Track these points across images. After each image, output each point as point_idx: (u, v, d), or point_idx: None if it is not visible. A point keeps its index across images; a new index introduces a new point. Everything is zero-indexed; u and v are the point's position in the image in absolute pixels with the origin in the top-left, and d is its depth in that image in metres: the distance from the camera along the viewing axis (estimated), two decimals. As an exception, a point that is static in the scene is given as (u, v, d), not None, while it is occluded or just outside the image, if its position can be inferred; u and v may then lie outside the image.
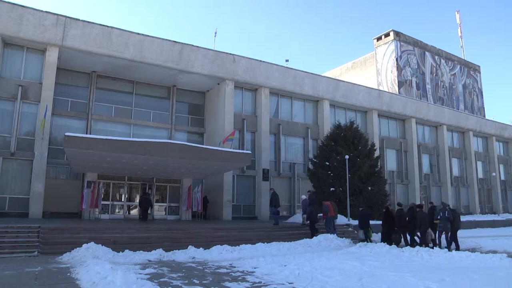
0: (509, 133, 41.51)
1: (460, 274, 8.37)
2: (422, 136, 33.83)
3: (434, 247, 13.02)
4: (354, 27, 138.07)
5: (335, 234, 15.25)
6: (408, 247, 12.98)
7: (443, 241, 13.75)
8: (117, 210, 20.41)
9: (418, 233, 14.26)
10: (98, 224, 15.04)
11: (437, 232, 13.85)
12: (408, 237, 14.25)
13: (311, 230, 15.65)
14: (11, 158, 17.86)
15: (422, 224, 13.69)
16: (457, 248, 12.96)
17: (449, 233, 13.37)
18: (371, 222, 15.66)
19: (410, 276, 7.98)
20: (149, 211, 19.72)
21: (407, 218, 14.25)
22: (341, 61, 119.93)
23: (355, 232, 16.75)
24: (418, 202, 27.43)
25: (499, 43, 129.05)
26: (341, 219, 18.78)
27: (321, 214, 16.14)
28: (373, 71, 45.24)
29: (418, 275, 8.16)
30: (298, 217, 19.69)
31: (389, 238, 14.34)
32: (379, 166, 23.41)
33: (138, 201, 20.22)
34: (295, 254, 12.05)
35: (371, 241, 14.61)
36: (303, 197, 18.16)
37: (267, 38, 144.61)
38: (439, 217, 13.49)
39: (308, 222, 16.06)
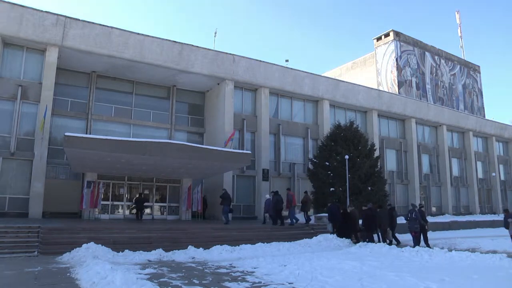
0: (509, 133, 41.49)
1: (460, 274, 8.39)
2: (422, 136, 33.81)
3: (391, 244, 14.39)
4: (354, 27, 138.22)
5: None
6: (408, 247, 13.10)
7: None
8: (117, 210, 20.41)
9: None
10: (98, 224, 15.05)
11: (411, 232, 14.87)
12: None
13: (278, 218, 17.17)
14: (11, 158, 17.84)
15: (381, 223, 15.04)
16: (414, 246, 13.59)
17: (413, 232, 14.42)
18: None
19: (410, 276, 7.99)
20: (143, 211, 19.86)
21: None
22: (341, 61, 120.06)
23: None
24: (418, 202, 27.65)
25: (499, 43, 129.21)
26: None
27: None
28: (373, 71, 45.20)
29: (418, 275, 8.17)
30: (298, 217, 19.75)
31: (341, 233, 15.59)
32: (379, 166, 23.37)
33: (133, 201, 20.34)
34: (295, 254, 12.07)
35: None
36: (267, 196, 18.98)
37: (267, 38, 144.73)
38: (408, 218, 14.84)
39: (267, 214, 18.02)
